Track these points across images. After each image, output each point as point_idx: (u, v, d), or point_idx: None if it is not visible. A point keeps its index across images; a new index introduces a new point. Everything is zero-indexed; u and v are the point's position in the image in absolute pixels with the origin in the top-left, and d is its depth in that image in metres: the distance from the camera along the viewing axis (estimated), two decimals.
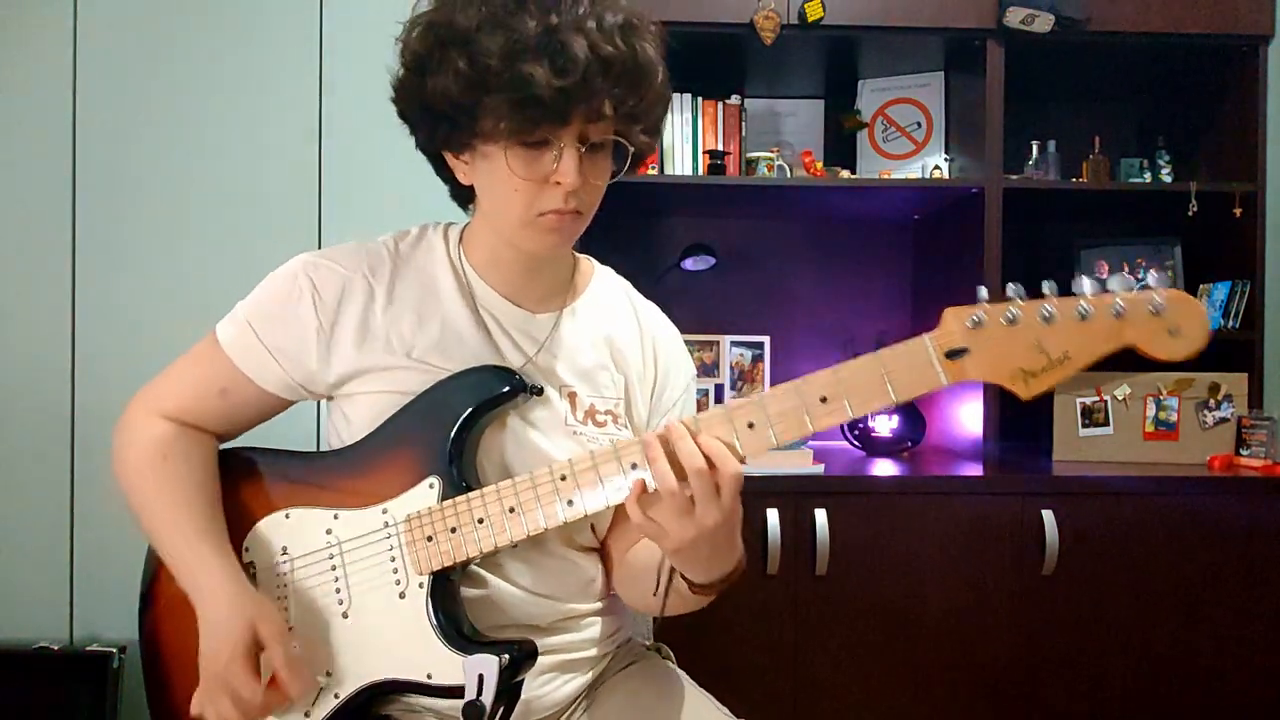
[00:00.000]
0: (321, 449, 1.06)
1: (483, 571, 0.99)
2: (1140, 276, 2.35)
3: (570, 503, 0.90)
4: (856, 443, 2.34)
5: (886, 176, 2.37)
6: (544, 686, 1.02)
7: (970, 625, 1.87)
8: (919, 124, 2.42)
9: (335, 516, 0.98)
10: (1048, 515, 1.84)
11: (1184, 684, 1.88)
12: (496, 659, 0.89)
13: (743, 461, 0.83)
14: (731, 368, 2.39)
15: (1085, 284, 0.77)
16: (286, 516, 1.01)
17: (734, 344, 2.40)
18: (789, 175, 2.31)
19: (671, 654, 1.22)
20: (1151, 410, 2.12)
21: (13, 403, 2.06)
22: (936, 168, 2.34)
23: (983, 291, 0.80)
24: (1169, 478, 1.93)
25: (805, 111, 2.55)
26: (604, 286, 1.14)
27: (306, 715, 0.96)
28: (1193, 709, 1.88)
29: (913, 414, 2.32)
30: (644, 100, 0.94)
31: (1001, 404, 2.10)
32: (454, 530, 0.93)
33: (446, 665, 0.92)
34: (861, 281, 2.57)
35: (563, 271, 1.10)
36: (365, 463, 0.99)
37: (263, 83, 2.09)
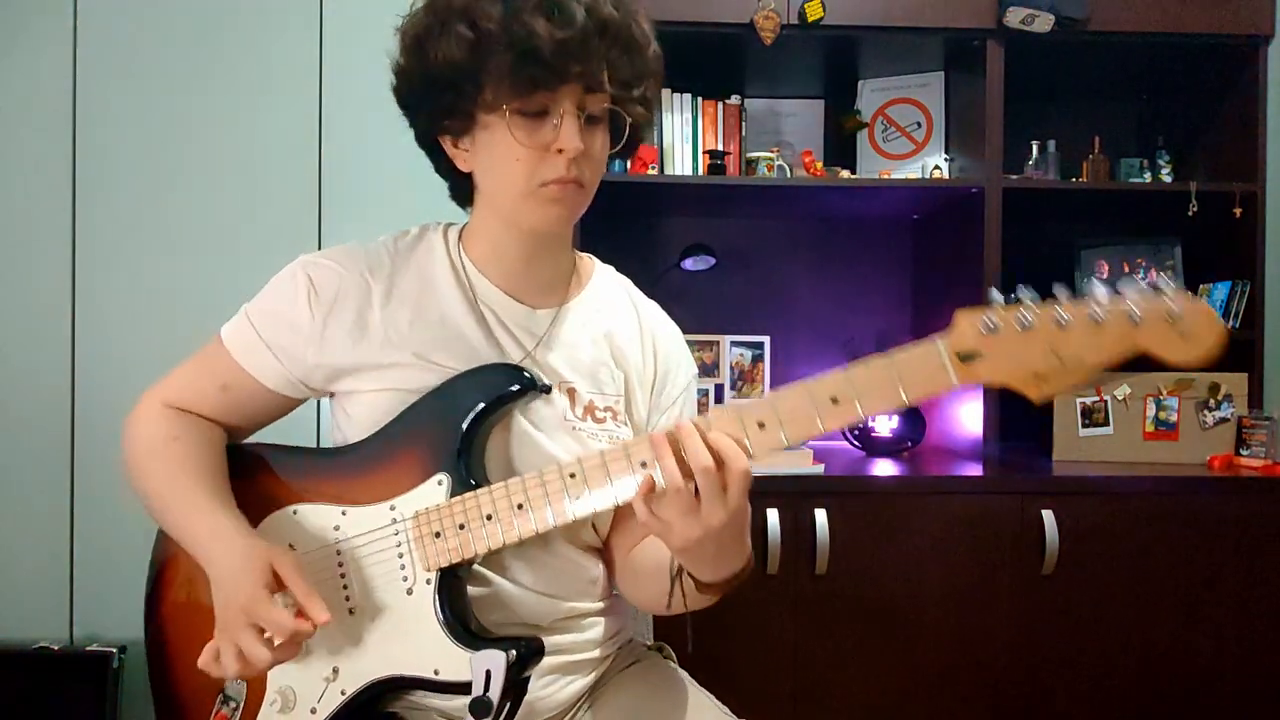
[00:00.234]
0: (323, 447, 1.06)
1: (486, 570, 0.99)
2: (1141, 276, 2.35)
3: (579, 499, 0.90)
4: (856, 443, 2.34)
5: (886, 176, 2.38)
6: (547, 688, 1.02)
7: (970, 625, 1.87)
8: (919, 124, 2.42)
9: (343, 513, 0.98)
10: (1048, 515, 1.84)
11: (1184, 684, 1.88)
12: (504, 654, 0.89)
13: (752, 460, 0.83)
14: (731, 368, 2.39)
15: (1097, 288, 0.77)
16: (294, 512, 1.00)
17: (734, 344, 2.40)
18: (789, 175, 2.31)
19: (673, 654, 1.22)
20: (1151, 410, 2.12)
21: (13, 403, 2.06)
22: (936, 168, 2.34)
23: (995, 294, 0.80)
24: (1169, 478, 1.93)
25: (805, 111, 2.55)
26: (604, 283, 1.14)
27: (313, 712, 0.96)
28: (1193, 709, 1.88)
29: (913, 414, 2.32)
30: (638, 68, 0.98)
31: (1001, 404, 2.10)
32: (462, 527, 0.93)
33: (453, 661, 0.92)
34: (861, 281, 2.58)
35: (563, 265, 1.10)
36: (373, 460, 0.99)
37: (263, 83, 2.09)
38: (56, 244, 2.06)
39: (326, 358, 1.01)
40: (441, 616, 0.93)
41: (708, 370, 2.39)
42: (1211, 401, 2.11)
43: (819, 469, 1.91)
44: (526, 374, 0.98)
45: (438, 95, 0.96)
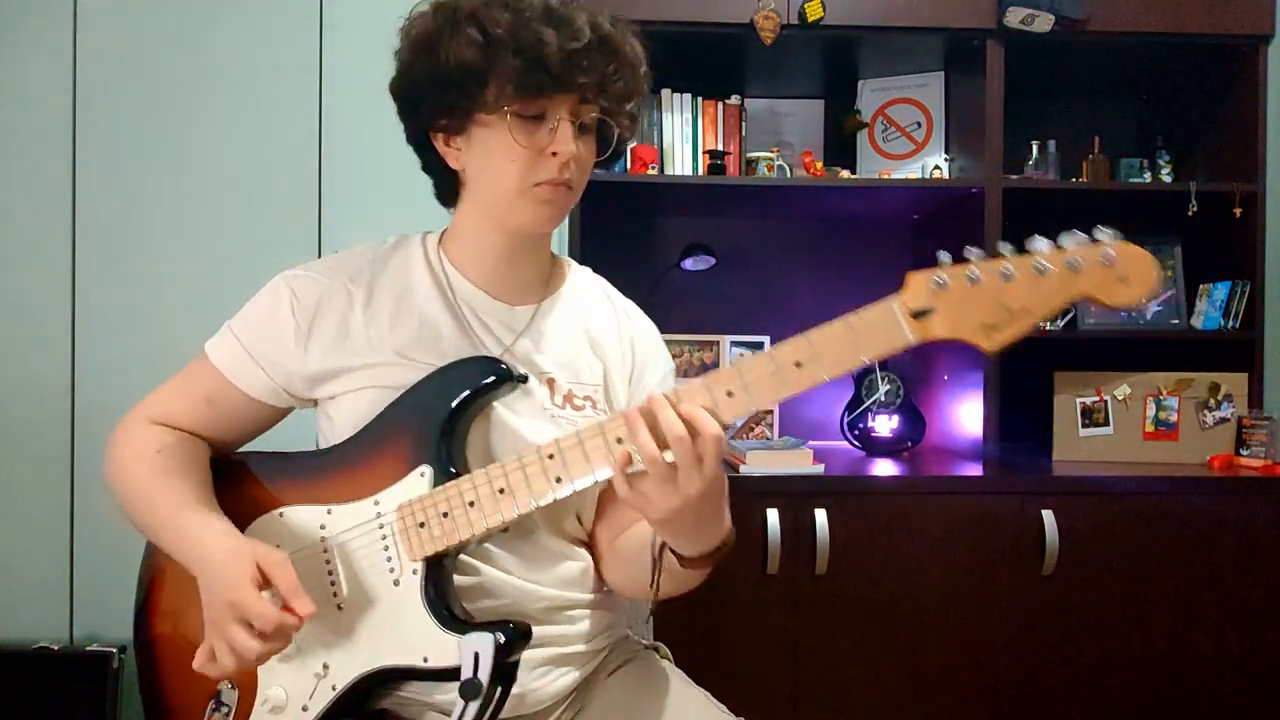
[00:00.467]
0: (306, 451, 1.07)
1: (472, 560, 1.01)
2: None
3: (558, 480, 0.91)
4: (856, 443, 2.34)
5: (886, 176, 2.38)
6: (537, 680, 1.03)
7: (970, 625, 1.87)
8: (919, 124, 2.42)
9: (328, 512, 1.00)
10: (1048, 515, 1.84)
11: (1184, 684, 1.88)
12: (491, 636, 0.91)
13: (725, 428, 0.85)
14: None
15: (1039, 241, 0.82)
16: (280, 515, 1.02)
17: (734, 344, 2.41)
18: (789, 175, 2.31)
19: (670, 654, 1.22)
20: (1151, 410, 2.12)
21: (13, 403, 2.05)
22: (936, 168, 2.34)
23: (944, 255, 0.84)
24: (1169, 478, 1.93)
25: (805, 111, 2.55)
26: (582, 282, 1.18)
27: (304, 709, 0.96)
28: (1193, 709, 1.88)
29: (913, 414, 2.32)
30: (630, 84, 1.03)
31: (1001, 404, 2.10)
32: (445, 515, 0.94)
33: (442, 648, 0.93)
34: (861, 281, 2.57)
35: (542, 265, 1.13)
36: (357, 458, 1.01)
37: (263, 82, 2.09)
38: (56, 244, 2.06)
39: (311, 363, 1.03)
40: (428, 604, 0.94)
41: (707, 370, 2.39)
42: (1211, 401, 2.11)
43: (819, 469, 1.92)
44: (503, 365, 1.00)
45: (441, 94, 0.99)
